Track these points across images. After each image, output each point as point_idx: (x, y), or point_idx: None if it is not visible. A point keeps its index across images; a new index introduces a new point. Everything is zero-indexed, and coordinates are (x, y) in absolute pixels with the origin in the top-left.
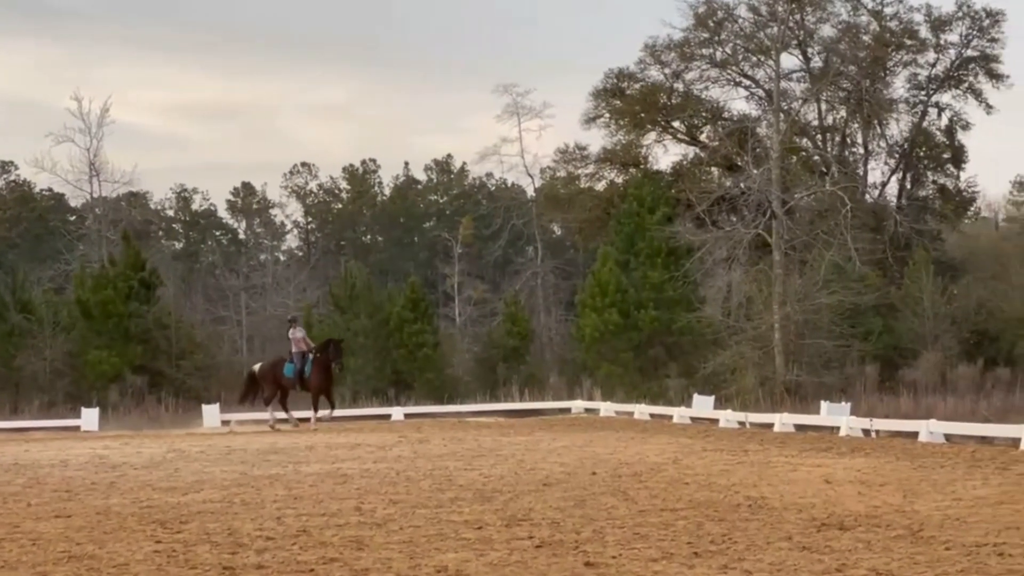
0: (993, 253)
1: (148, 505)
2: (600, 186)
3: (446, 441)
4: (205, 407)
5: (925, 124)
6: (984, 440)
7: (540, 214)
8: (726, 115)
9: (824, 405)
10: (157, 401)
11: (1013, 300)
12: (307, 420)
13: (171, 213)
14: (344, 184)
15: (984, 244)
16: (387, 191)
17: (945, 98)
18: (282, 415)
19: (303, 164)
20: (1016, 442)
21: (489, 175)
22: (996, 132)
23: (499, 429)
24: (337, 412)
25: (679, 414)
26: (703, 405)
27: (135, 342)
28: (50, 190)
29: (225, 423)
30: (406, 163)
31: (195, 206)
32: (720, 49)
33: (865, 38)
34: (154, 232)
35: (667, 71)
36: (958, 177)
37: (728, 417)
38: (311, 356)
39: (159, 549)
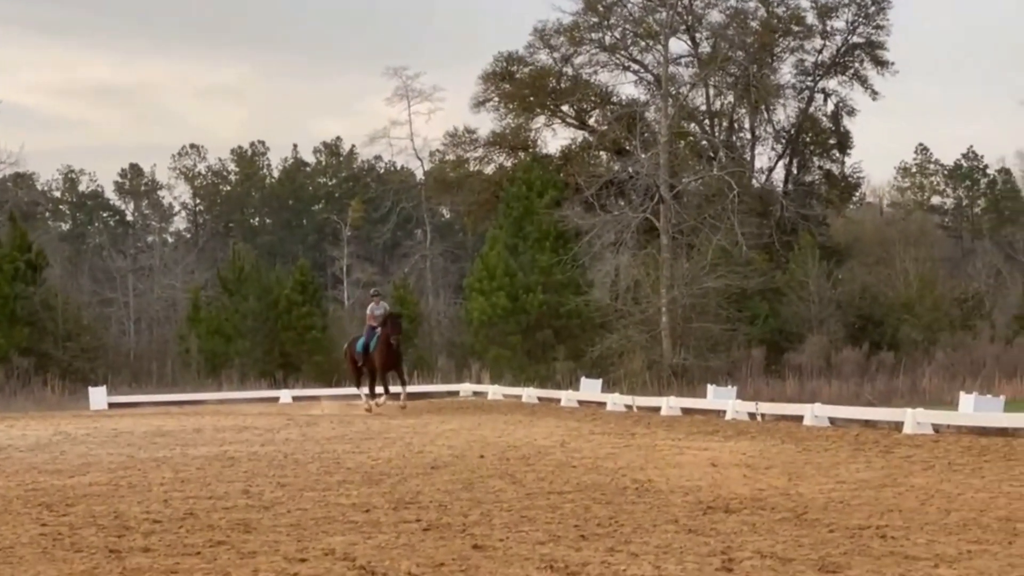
0: (877, 238)
1: (33, 488)
2: (489, 169)
3: (334, 424)
4: (92, 389)
5: (811, 110)
6: (868, 424)
7: (429, 197)
8: (615, 99)
9: (710, 389)
10: (43, 383)
11: (896, 285)
12: (383, 395)
13: (58, 194)
14: (233, 166)
15: (869, 229)
16: (276, 173)
17: (831, 84)
18: (366, 391)
19: (192, 146)
20: (898, 426)
21: (378, 158)
22: (881, 118)
23: (387, 413)
24: (225, 394)
25: (567, 397)
26: (591, 388)
27: (21, 324)
28: None
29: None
30: (295, 145)
31: (82, 187)
32: (609, 33)
33: (753, 24)
34: (41, 213)
35: (556, 55)
36: (843, 163)
37: (615, 400)
38: (377, 331)
39: (45, 532)
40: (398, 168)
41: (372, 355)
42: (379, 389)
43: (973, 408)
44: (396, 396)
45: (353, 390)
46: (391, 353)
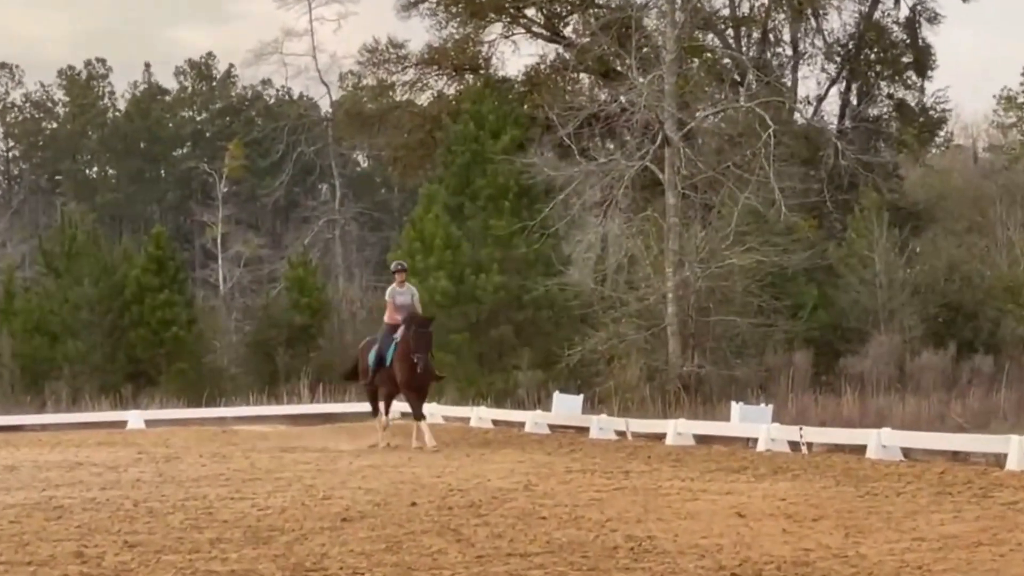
0: (971, 196)
1: None
2: (423, 99)
3: (205, 459)
4: None
5: (877, 15)
6: (957, 457)
7: (339, 139)
8: (600, 0)
9: (736, 408)
10: None
11: (998, 262)
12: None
13: None
14: (61, 95)
15: (958, 184)
16: (121, 105)
17: None
18: (383, 418)
19: (2, 65)
20: (1000, 459)
21: (267, 83)
22: (976, 27)
23: (281, 440)
24: (51, 417)
25: (534, 420)
26: (567, 408)
27: None
28: None
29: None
30: (147, 65)
31: None
32: None
33: None
34: None
35: None
36: (922, 89)
37: (602, 425)
38: (397, 337)
39: None
40: (295, 97)
41: (390, 371)
42: (391, 413)
43: None
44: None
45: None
46: (415, 376)
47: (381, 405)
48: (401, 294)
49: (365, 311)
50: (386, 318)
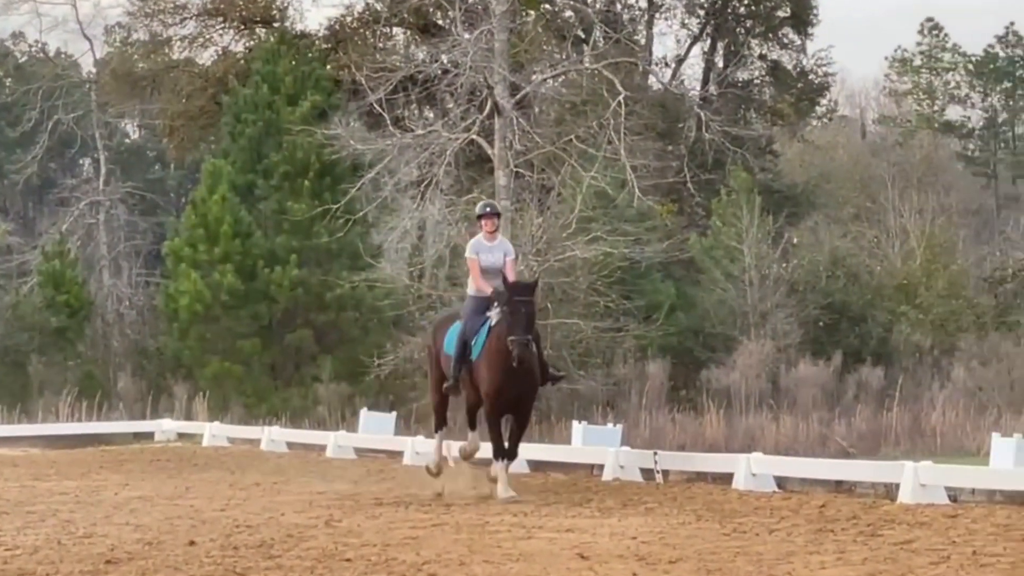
0: (858, 177)
1: None
2: (205, 57)
3: None
4: None
5: None
6: (840, 487)
7: (104, 105)
8: None
9: (578, 428)
10: None
11: (889, 255)
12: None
13: None
14: None
15: (844, 162)
16: None
17: None
18: (441, 438)
19: None
20: (891, 490)
21: (17, 37)
22: None
23: (32, 468)
24: None
25: (337, 443)
26: (377, 428)
27: None
28: None
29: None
30: None
31: None
32: None
33: None
34: None
35: None
36: (802, 50)
37: (419, 448)
38: (491, 318)
39: None
40: (51, 55)
41: (476, 368)
42: (473, 439)
43: (1015, 460)
44: (466, 450)
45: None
46: (517, 376)
47: (444, 427)
48: (490, 250)
49: (134, 311)
50: (470, 288)
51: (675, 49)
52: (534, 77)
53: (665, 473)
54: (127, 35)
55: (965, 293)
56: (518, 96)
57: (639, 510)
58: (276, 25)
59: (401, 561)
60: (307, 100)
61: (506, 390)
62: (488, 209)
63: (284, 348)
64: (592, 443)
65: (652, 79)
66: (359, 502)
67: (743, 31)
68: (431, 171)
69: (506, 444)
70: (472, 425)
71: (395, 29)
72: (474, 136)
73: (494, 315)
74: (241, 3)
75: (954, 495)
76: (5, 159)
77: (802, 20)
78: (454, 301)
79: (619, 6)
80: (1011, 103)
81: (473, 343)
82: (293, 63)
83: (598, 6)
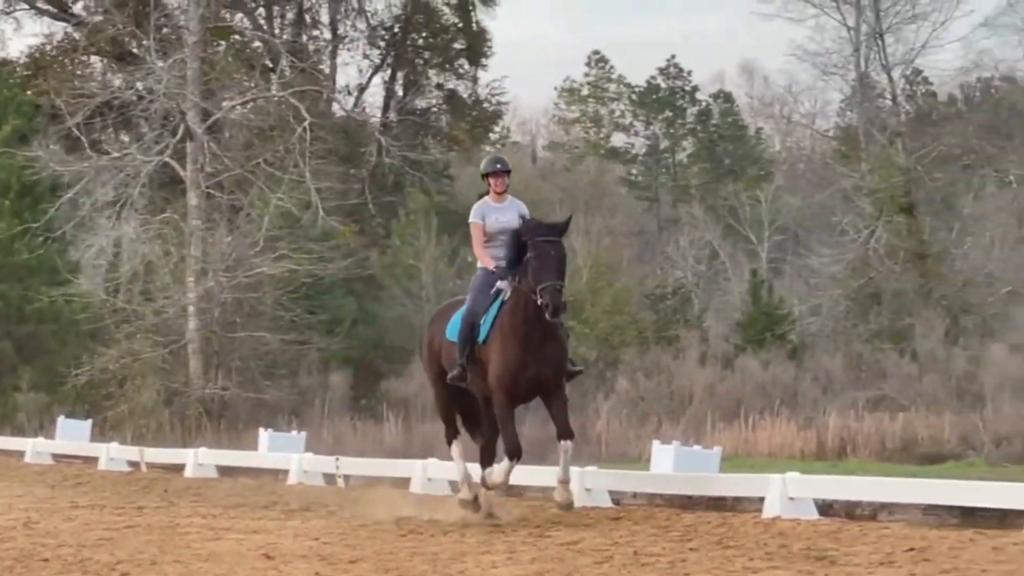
0: (528, 199)
1: None
2: None
3: None
4: None
5: None
6: (511, 490)
7: None
8: None
9: (264, 435)
10: None
11: None
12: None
13: None
14: None
15: (515, 185)
16: None
17: None
18: (458, 452)
19: None
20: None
21: None
22: (536, 11)
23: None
24: None
25: (35, 449)
26: (74, 435)
27: None
28: None
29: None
30: None
31: None
32: None
33: None
34: None
35: None
36: (476, 80)
37: (114, 454)
38: (506, 290)
39: None
40: None
41: (485, 351)
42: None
43: (673, 466)
44: (564, 483)
45: None
46: (538, 352)
47: (459, 436)
48: (500, 210)
49: None
50: (480, 260)
51: (357, 78)
52: (224, 104)
53: (346, 478)
54: None
55: (628, 309)
56: (209, 121)
57: (321, 513)
58: None
59: (96, 561)
60: (8, 124)
61: (521, 371)
62: (498, 166)
63: None
64: (278, 449)
65: (336, 106)
66: (56, 505)
67: (422, 62)
68: (126, 192)
69: (564, 437)
70: (473, 434)
71: (93, 57)
72: (167, 159)
73: (506, 286)
74: None
75: (617, 498)
76: None
77: (477, 52)
78: (148, 315)
79: (305, 37)
80: (672, 131)
81: (482, 322)
82: None
83: (285, 37)
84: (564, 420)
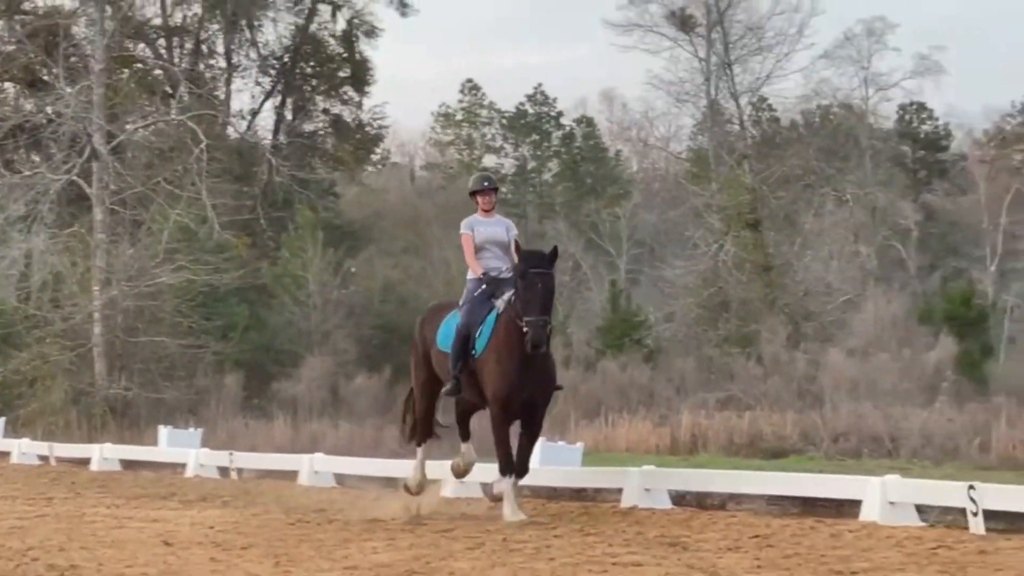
0: (408, 216)
1: None
2: None
3: None
4: None
5: (314, 28)
6: (392, 482)
7: None
8: (27, 5)
9: (164, 432)
10: None
11: (435, 283)
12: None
13: None
14: None
15: (395, 203)
16: None
17: None
18: (421, 456)
19: None
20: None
21: None
22: (414, 42)
23: None
24: None
25: None
26: None
27: None
28: None
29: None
30: None
31: None
32: None
33: None
34: None
35: None
36: (360, 105)
37: (25, 449)
38: (498, 306)
39: None
40: None
41: (480, 366)
42: (467, 452)
43: (539, 460)
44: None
45: None
46: (531, 374)
47: (426, 438)
48: (487, 224)
49: None
50: (469, 274)
51: (250, 103)
52: (128, 126)
53: (239, 471)
54: None
55: None
56: (113, 143)
57: (216, 503)
58: None
59: (8, 548)
60: None
61: (518, 391)
62: (486, 183)
63: None
64: (176, 445)
65: (230, 129)
66: None
67: (309, 88)
68: (36, 207)
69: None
70: (464, 435)
71: (6, 83)
72: (74, 177)
73: (501, 303)
74: None
75: (487, 491)
76: None
77: (360, 80)
78: (56, 321)
79: (202, 66)
80: (538, 153)
81: (477, 335)
82: None
83: (183, 65)
84: (526, 459)
